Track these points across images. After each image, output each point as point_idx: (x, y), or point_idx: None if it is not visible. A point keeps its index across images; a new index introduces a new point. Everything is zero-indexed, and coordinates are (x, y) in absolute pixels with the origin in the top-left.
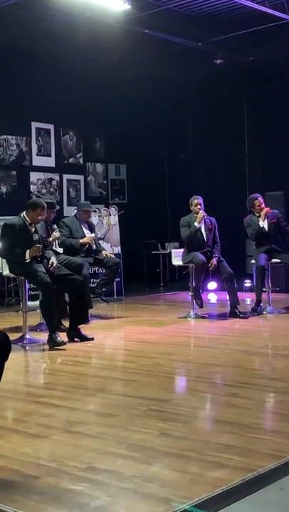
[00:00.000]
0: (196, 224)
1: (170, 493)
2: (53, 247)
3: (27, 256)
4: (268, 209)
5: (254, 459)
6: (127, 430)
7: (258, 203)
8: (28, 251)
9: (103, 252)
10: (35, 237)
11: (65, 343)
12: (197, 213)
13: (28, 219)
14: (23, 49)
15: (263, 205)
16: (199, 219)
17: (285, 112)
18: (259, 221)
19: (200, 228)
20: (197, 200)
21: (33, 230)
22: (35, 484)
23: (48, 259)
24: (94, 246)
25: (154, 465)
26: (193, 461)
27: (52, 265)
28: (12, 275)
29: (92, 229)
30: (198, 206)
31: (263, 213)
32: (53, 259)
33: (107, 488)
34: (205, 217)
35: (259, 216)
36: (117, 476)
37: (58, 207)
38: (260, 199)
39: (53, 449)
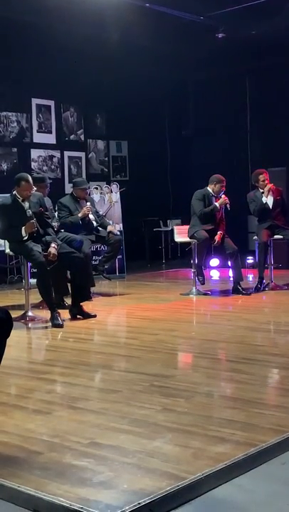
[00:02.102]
0: (217, 204)
1: (173, 467)
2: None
3: (23, 233)
4: (272, 185)
5: (256, 434)
6: (129, 406)
7: (262, 177)
8: (23, 228)
9: (108, 227)
10: (29, 212)
11: (62, 325)
12: (218, 193)
13: (19, 196)
14: (24, 24)
15: (267, 180)
16: (223, 202)
17: (287, 87)
18: (262, 197)
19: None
20: (224, 183)
21: (27, 205)
22: (38, 460)
23: (47, 244)
24: (94, 222)
25: (157, 440)
26: (195, 436)
27: (49, 254)
28: (12, 253)
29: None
30: (224, 188)
31: (266, 189)
32: (52, 249)
33: (110, 463)
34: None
35: (263, 192)
36: (120, 451)
37: (49, 181)
38: (266, 175)
39: (56, 425)
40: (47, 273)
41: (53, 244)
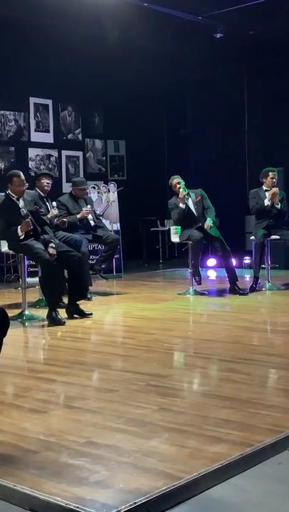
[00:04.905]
0: (181, 205)
1: (169, 467)
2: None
3: (19, 232)
4: (276, 189)
5: (253, 434)
6: (126, 405)
7: (272, 175)
8: (18, 228)
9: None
10: (23, 212)
11: (64, 322)
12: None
13: (13, 194)
14: (22, 22)
15: (275, 180)
16: (181, 200)
17: (285, 87)
18: (265, 198)
19: (188, 206)
20: (176, 180)
21: (22, 204)
22: (34, 459)
23: (47, 243)
24: (92, 222)
25: (153, 439)
26: (192, 436)
27: (49, 252)
28: (12, 252)
29: (88, 204)
30: (178, 186)
31: (271, 192)
32: (50, 249)
33: (106, 462)
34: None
35: (266, 191)
36: (116, 450)
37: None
38: (275, 173)
39: (52, 424)
40: (52, 271)
41: (50, 244)
